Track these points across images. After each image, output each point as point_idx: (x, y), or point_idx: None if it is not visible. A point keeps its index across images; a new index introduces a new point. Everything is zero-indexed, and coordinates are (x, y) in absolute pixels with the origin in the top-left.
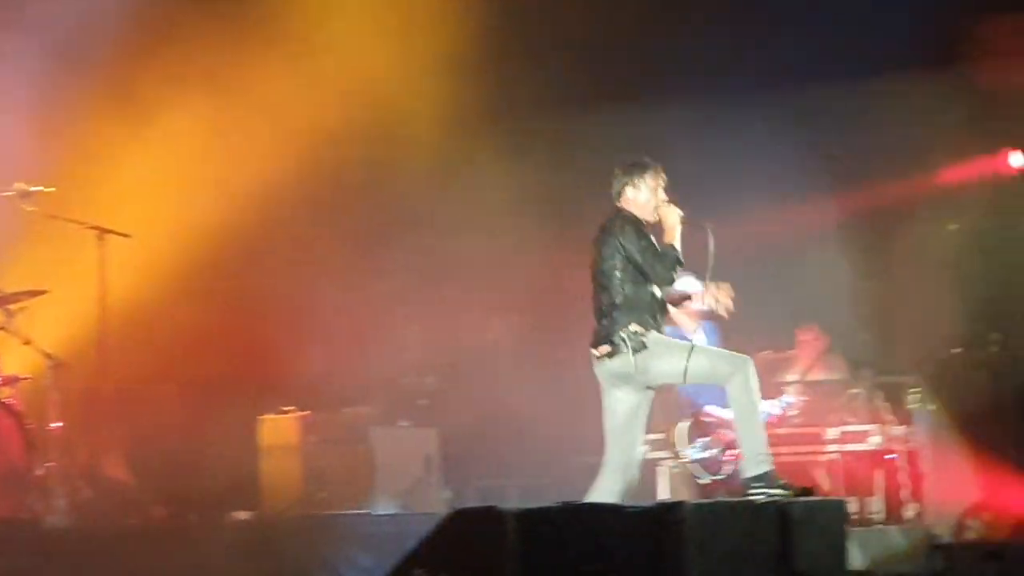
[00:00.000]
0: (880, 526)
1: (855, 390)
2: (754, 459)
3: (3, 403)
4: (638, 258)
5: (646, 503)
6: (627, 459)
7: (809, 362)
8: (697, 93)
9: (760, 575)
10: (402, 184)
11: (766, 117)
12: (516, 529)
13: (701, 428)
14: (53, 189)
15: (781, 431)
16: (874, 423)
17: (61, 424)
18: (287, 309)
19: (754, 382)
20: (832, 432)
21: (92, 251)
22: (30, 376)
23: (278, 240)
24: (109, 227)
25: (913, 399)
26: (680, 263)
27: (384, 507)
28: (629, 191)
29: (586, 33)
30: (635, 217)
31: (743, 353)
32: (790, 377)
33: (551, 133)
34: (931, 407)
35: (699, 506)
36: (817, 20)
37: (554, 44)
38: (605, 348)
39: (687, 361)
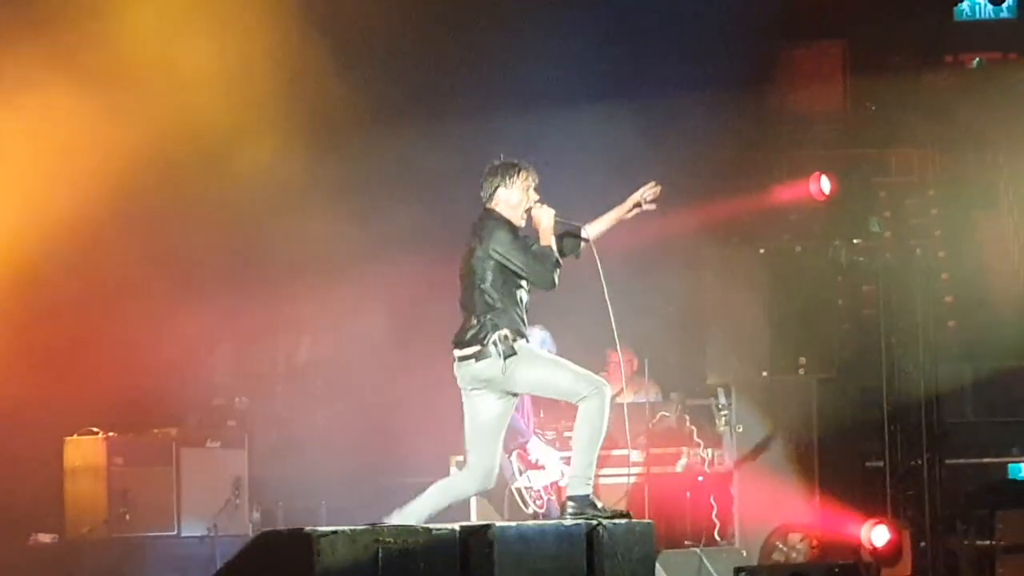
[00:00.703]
0: (688, 548)
1: (664, 413)
2: (581, 479)
3: None
4: (514, 261)
5: (453, 525)
6: (489, 465)
7: (619, 384)
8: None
9: None
10: (218, 204)
11: (576, 132)
12: (323, 551)
13: (524, 461)
14: None
15: None
16: (683, 446)
17: None
18: (96, 327)
19: (607, 408)
20: (639, 455)
21: None
22: None
23: (89, 258)
24: None
25: (721, 421)
26: (559, 264)
27: (192, 529)
28: (501, 192)
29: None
30: (506, 219)
31: None
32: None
33: (371, 142)
34: (739, 429)
35: (507, 528)
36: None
37: (373, 55)
38: (472, 349)
39: (552, 375)
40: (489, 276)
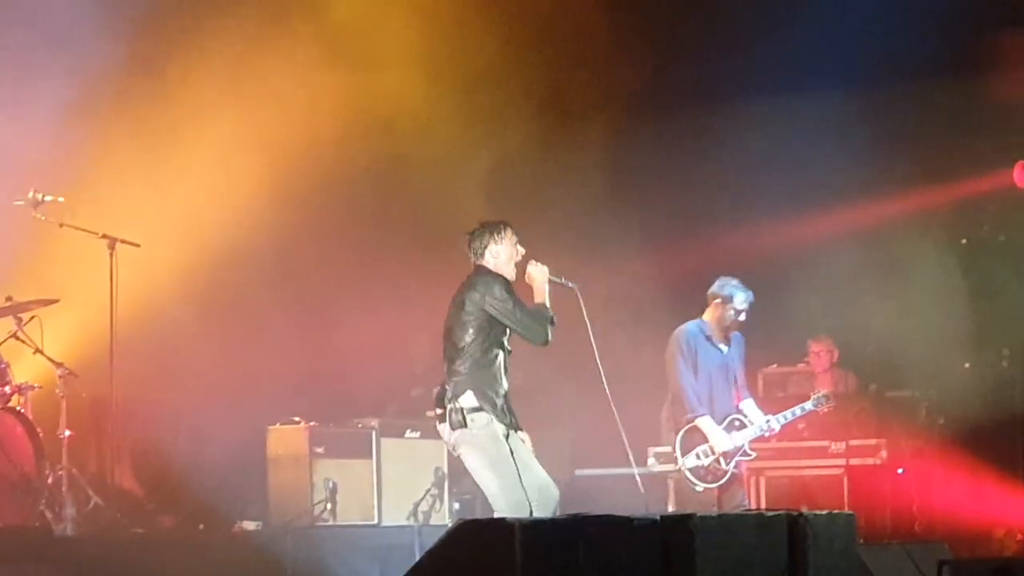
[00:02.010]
0: (888, 541)
1: (864, 404)
2: None
3: (14, 411)
4: (509, 317)
5: (654, 515)
6: (537, 501)
7: (820, 374)
8: (700, 107)
9: None
10: (417, 196)
11: (776, 127)
12: (523, 541)
13: (695, 438)
14: (62, 199)
15: (788, 445)
16: (882, 437)
17: (70, 433)
18: (296, 319)
19: None
20: (838, 446)
21: (102, 260)
22: (40, 385)
23: (287, 250)
24: (119, 236)
25: (922, 413)
26: (553, 323)
27: (392, 519)
28: (492, 248)
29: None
30: (501, 276)
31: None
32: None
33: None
34: (940, 421)
35: (707, 518)
36: (841, 23)
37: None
38: (439, 411)
39: (481, 470)
40: (470, 335)
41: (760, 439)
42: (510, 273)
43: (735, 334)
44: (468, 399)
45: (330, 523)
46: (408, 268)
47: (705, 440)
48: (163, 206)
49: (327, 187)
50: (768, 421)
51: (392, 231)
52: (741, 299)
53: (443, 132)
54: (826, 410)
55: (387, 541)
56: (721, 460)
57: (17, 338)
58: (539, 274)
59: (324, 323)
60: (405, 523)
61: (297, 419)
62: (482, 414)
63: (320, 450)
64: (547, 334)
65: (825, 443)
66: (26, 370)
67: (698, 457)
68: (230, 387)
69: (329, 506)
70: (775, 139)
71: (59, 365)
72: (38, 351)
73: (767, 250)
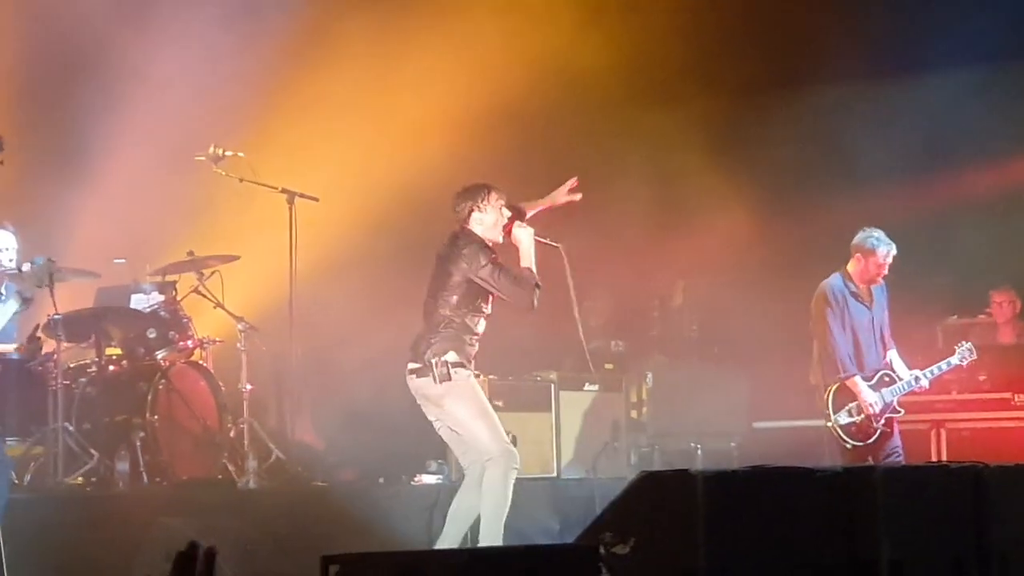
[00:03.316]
0: None
1: None
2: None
3: (196, 365)
4: (497, 287)
5: (836, 467)
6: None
7: (1002, 325)
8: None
9: (954, 541)
10: (591, 153)
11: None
12: (706, 492)
13: (846, 394)
14: (243, 154)
15: (969, 397)
16: None
17: (251, 387)
18: None
19: (511, 478)
20: (1021, 398)
21: (282, 215)
22: (221, 339)
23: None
24: (298, 190)
25: None
26: (539, 286)
27: (571, 472)
28: (476, 214)
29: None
30: (481, 240)
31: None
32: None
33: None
34: None
35: (891, 470)
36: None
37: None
38: (417, 364)
39: (475, 421)
40: (456, 297)
41: (913, 393)
42: (496, 235)
43: (878, 285)
44: (452, 356)
45: None
46: (585, 222)
47: (854, 398)
48: (339, 159)
49: (503, 143)
50: (916, 377)
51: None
52: (884, 252)
53: (617, 95)
54: (968, 364)
55: (566, 494)
56: (872, 419)
57: (199, 293)
58: (525, 236)
59: None
60: (584, 475)
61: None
62: (464, 369)
63: (499, 403)
64: (533, 300)
65: (1008, 395)
66: (207, 324)
67: (849, 414)
68: (409, 341)
69: None
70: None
71: (240, 319)
72: (219, 306)
73: (943, 200)
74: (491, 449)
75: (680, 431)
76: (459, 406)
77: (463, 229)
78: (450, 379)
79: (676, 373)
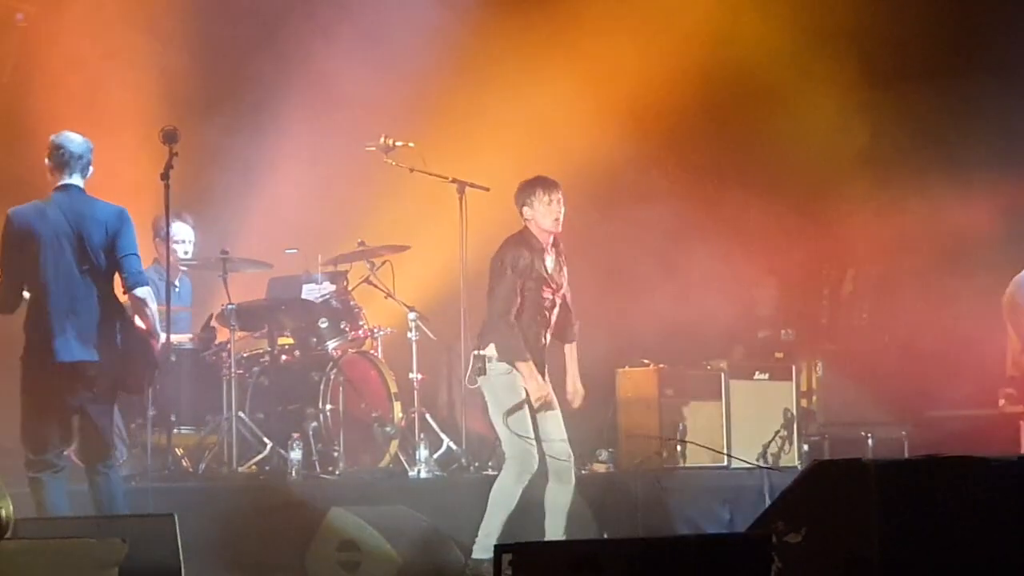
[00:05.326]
0: None
1: None
2: (483, 543)
3: (367, 355)
4: (491, 287)
5: (1012, 456)
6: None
7: None
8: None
9: None
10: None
11: None
12: (879, 481)
13: None
14: (413, 144)
15: None
16: None
17: (422, 376)
18: (643, 261)
19: (524, 480)
20: None
21: (452, 205)
22: (392, 328)
23: (636, 191)
24: (469, 180)
25: None
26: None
27: (742, 461)
28: (525, 210)
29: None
30: (522, 247)
31: None
32: None
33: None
34: None
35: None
36: None
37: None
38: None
39: (495, 417)
40: (496, 294)
41: None
42: (550, 226)
43: None
44: (491, 350)
45: (680, 465)
46: (753, 210)
47: None
48: (508, 150)
49: (678, 127)
50: None
51: (740, 173)
52: None
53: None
54: None
55: (737, 483)
56: None
57: (370, 283)
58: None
59: (671, 265)
60: (754, 465)
61: (646, 361)
62: (502, 364)
63: (670, 392)
64: (500, 325)
65: None
66: (378, 314)
67: None
68: (578, 327)
69: (679, 449)
70: None
71: (410, 308)
72: (389, 295)
73: None
74: (513, 450)
75: (851, 420)
76: (489, 401)
77: (523, 228)
78: (484, 373)
79: (847, 361)
